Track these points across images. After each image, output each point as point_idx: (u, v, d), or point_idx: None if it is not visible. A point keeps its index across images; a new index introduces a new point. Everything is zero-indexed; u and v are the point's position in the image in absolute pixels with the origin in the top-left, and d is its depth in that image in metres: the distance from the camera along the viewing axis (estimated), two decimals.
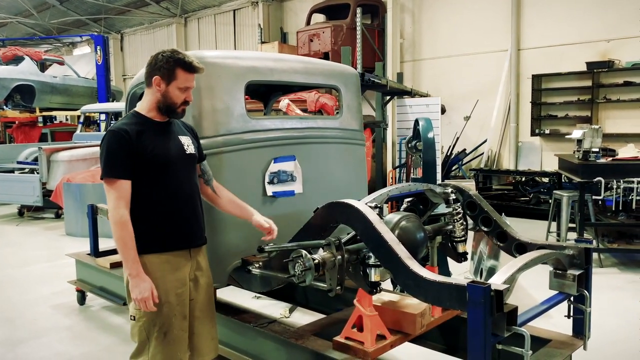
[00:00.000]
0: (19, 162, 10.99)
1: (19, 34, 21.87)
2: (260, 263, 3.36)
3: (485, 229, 3.47)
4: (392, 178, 8.56)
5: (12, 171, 10.89)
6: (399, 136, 8.74)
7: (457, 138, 11.25)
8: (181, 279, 2.65)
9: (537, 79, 10.49)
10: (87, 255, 5.47)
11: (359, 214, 2.76)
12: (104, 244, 5.33)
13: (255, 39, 14.73)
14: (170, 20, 18.21)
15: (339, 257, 2.78)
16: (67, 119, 18.57)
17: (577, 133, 6.33)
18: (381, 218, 2.90)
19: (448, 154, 11.14)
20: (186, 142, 2.77)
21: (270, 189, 3.63)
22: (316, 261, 2.68)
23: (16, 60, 13.16)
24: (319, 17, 13.43)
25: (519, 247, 3.31)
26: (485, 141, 11.21)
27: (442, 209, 3.62)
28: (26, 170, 10.85)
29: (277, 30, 15.23)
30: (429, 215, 3.67)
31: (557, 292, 3.00)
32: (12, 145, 13.46)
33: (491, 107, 11.14)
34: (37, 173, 9.99)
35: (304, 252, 2.69)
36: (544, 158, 10.63)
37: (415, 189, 3.39)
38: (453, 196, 3.43)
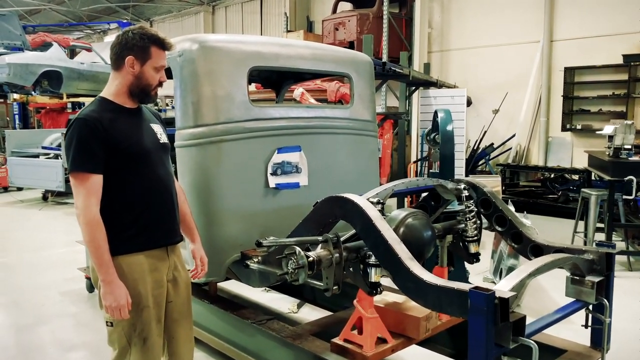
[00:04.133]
0: (43, 147, 11.09)
1: (52, 21, 22.16)
2: (260, 257, 3.22)
3: (500, 229, 3.25)
4: (412, 171, 8.32)
5: (37, 156, 11.00)
6: (421, 128, 8.48)
7: (485, 132, 10.91)
8: (159, 280, 2.47)
9: (569, 71, 10.07)
10: None
11: (357, 209, 2.58)
12: None
13: (282, 28, 14.56)
14: (199, 9, 18.19)
15: (337, 254, 2.61)
16: None
17: (608, 129, 5.99)
18: (383, 214, 2.73)
19: (475, 148, 10.81)
20: (158, 130, 2.58)
21: (273, 181, 3.48)
22: (310, 259, 2.51)
23: (45, 46, 13.27)
24: (345, 6, 13.16)
25: (534, 250, 3.08)
26: (513, 136, 10.84)
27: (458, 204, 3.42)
28: (51, 155, 10.95)
29: (303, 18, 15.03)
30: (441, 212, 3.48)
31: (574, 299, 2.77)
32: (38, 130, 13.64)
33: (521, 100, 10.76)
34: (61, 158, 10.05)
35: (297, 248, 2.52)
36: (575, 154, 10.21)
37: (423, 184, 3.19)
38: (466, 193, 3.22)
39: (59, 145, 10.53)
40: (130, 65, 2.38)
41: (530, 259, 3.08)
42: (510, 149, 10.91)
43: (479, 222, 3.32)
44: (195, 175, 3.26)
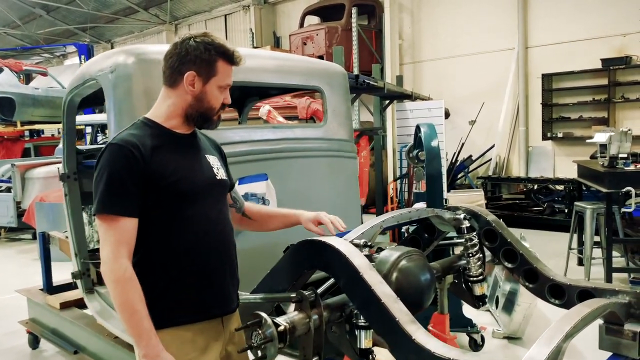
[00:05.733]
0: None
1: (9, 46, 21.27)
2: None
3: (509, 265, 2.71)
4: (393, 190, 7.80)
5: None
6: (399, 143, 8.00)
7: (462, 144, 10.49)
8: None
9: (547, 78, 9.75)
10: (40, 290, 4.73)
11: (339, 257, 2.01)
12: (62, 275, 4.59)
13: (248, 44, 14.05)
14: (161, 28, 17.59)
15: (316, 316, 2.03)
16: (59, 132, 17.90)
17: (600, 137, 5.56)
18: (372, 260, 2.17)
19: (453, 161, 10.38)
20: (215, 163, 2.07)
21: None
22: (281, 327, 1.92)
23: None
24: (313, 20, 12.73)
25: (554, 290, 2.54)
26: (492, 147, 10.46)
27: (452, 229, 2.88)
28: (3, 188, 10.13)
29: (269, 34, 14.55)
30: (436, 246, 2.94)
31: (612, 354, 2.24)
32: None
33: (498, 110, 10.40)
34: (12, 192, 9.27)
35: (263, 316, 1.93)
36: (557, 164, 9.86)
37: (417, 216, 2.64)
38: (466, 223, 2.69)
39: (10, 178, 9.74)
40: (190, 82, 1.89)
41: (549, 301, 2.55)
42: (490, 160, 10.53)
43: (482, 255, 2.80)
44: None
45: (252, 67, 3.01)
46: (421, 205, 4.80)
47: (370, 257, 2.15)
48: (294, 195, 3.17)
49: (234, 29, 15.73)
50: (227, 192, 2.14)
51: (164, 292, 1.87)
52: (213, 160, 2.06)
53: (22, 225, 9.19)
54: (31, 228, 9.46)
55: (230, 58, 1.92)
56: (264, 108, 5.26)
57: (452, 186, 9.96)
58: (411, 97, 9.06)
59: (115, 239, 1.76)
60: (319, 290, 2.12)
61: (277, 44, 14.17)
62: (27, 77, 14.25)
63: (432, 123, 4.80)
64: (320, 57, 10.92)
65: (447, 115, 9.58)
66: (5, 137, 13.87)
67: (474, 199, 7.72)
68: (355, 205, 3.58)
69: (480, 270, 2.70)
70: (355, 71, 10.48)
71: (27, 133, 14.58)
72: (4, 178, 10.28)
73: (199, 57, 1.87)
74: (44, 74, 13.60)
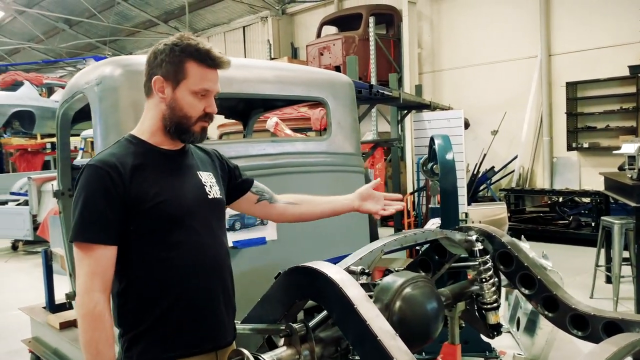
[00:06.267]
0: (12, 193, 10.31)
1: (33, 60, 21.64)
2: None
3: (526, 292, 2.46)
4: (410, 203, 7.55)
5: (5, 203, 10.22)
6: (416, 155, 7.76)
7: (484, 155, 10.19)
8: None
9: (571, 86, 9.42)
10: (43, 309, 4.60)
11: (332, 287, 1.80)
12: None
13: (265, 55, 13.98)
14: None
15: (307, 352, 1.83)
16: (79, 145, 18.06)
17: (628, 147, 5.26)
18: (371, 288, 1.96)
19: (474, 172, 10.07)
20: (208, 180, 1.87)
21: (229, 238, 2.70)
22: None
23: (16, 85, 12.64)
24: (330, 30, 12.60)
25: (576, 321, 2.28)
26: (515, 157, 10.12)
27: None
28: (20, 201, 10.17)
29: (287, 45, 14.47)
30: (447, 269, 2.71)
31: None
32: (7, 175, 12.88)
33: (521, 119, 10.07)
34: (29, 205, 9.28)
35: (245, 353, 1.74)
36: (583, 175, 9.49)
37: (423, 238, 2.41)
38: (479, 245, 2.45)
39: (27, 191, 9.76)
40: (158, 89, 1.73)
41: (571, 333, 2.30)
42: (513, 171, 10.19)
43: (497, 280, 2.56)
44: None
45: (248, 78, 2.84)
46: (436, 221, 4.56)
47: (368, 286, 1.94)
48: None
49: (253, 41, 15.70)
50: (222, 212, 1.94)
51: (151, 327, 1.69)
52: (206, 177, 1.87)
53: (37, 238, 9.18)
54: (46, 241, 9.46)
55: (203, 58, 1.70)
56: (271, 120, 5.09)
57: (473, 199, 9.67)
58: (430, 106, 8.83)
59: (89, 269, 1.60)
60: (312, 323, 1.93)
61: (294, 55, 14.08)
62: (50, 90, 14.40)
63: (449, 134, 4.58)
64: (337, 68, 10.78)
65: (467, 125, 9.33)
66: (29, 149, 14.03)
67: (496, 212, 7.43)
68: (362, 223, 3.37)
69: (494, 297, 2.46)
70: (373, 81, 10.31)
71: (48, 145, 14.70)
72: (22, 191, 10.33)
73: (164, 60, 1.70)
74: (64, 87, 13.73)
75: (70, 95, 2.84)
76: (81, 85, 2.66)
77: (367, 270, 1.95)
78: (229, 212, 2.70)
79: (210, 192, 1.84)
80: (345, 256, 2.09)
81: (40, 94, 13.08)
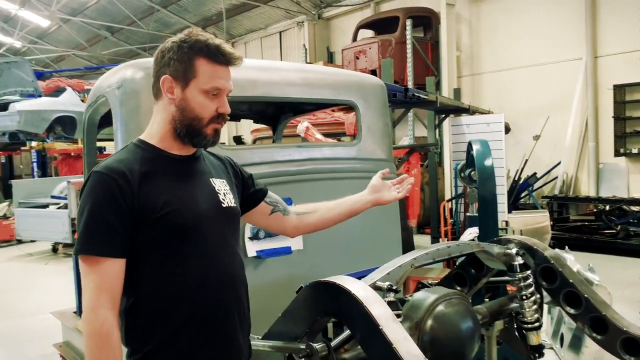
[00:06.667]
0: (52, 197, 10.52)
1: (77, 67, 22.26)
2: None
3: (572, 311, 2.26)
4: (447, 210, 7.31)
5: (46, 206, 10.43)
6: (454, 160, 7.52)
7: (526, 160, 9.82)
8: None
9: (619, 89, 9.00)
10: (74, 313, 4.60)
11: (355, 305, 1.66)
12: None
13: (301, 60, 13.94)
14: None
15: None
16: None
17: None
18: (399, 307, 1.80)
19: (516, 178, 9.72)
20: (222, 187, 1.76)
21: (252, 248, 2.59)
22: None
23: (59, 91, 12.94)
24: (367, 34, 12.45)
25: (629, 345, 2.07)
26: (559, 163, 9.73)
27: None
28: (61, 205, 10.36)
29: (323, 49, 14.39)
30: (484, 283, 2.53)
31: None
32: (48, 178, 13.18)
33: (565, 124, 9.68)
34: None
35: None
36: (632, 182, 9.04)
37: (457, 252, 2.24)
38: (519, 260, 2.26)
39: (66, 195, 9.95)
40: (167, 89, 1.61)
41: (622, 358, 2.09)
42: (556, 178, 9.80)
43: (539, 297, 2.37)
44: None
45: (274, 81, 2.73)
46: (474, 230, 4.36)
47: (396, 304, 1.79)
48: None
49: (289, 46, 15.70)
50: (237, 222, 1.81)
51: (161, 346, 1.58)
52: (219, 185, 1.75)
53: (75, 241, 9.33)
54: None
55: (213, 54, 1.59)
56: (302, 125, 4.98)
57: (514, 206, 9.34)
58: (468, 110, 8.57)
59: (96, 284, 1.49)
60: (335, 342, 1.79)
61: (330, 60, 13.98)
62: None
63: (489, 139, 4.37)
64: (373, 71, 10.62)
65: (507, 130, 9.02)
66: (72, 154, 14.36)
67: (538, 221, 7.13)
68: (394, 234, 3.20)
69: (536, 315, 2.27)
70: (410, 84, 10.11)
71: None
72: (62, 195, 10.53)
73: (172, 58, 1.59)
74: None
75: (94, 99, 2.78)
76: (103, 89, 2.60)
77: (394, 287, 1.80)
78: None
79: (224, 200, 1.72)
80: (368, 273, 1.94)
81: (81, 100, 13.35)
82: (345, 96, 3.00)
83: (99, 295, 1.48)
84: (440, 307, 1.92)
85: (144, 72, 2.41)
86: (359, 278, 1.92)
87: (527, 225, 7.11)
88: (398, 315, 1.78)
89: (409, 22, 10.54)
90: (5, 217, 12.04)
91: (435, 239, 7.29)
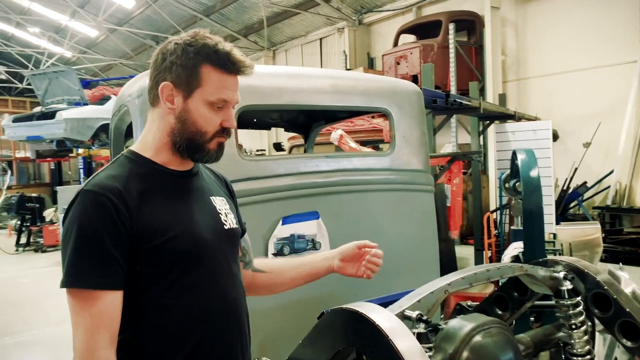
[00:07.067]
0: None
1: (123, 76, 22.83)
2: None
3: (629, 344, 2.01)
4: (491, 222, 6.99)
5: None
6: (498, 169, 7.19)
7: (575, 169, 9.35)
8: None
9: None
10: None
11: (379, 337, 1.49)
12: None
13: (341, 67, 13.81)
14: (259, 54, 17.90)
15: None
16: None
17: None
18: (428, 339, 1.62)
19: (564, 188, 9.27)
20: (223, 207, 1.60)
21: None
22: None
23: (104, 99, 13.23)
24: (408, 39, 12.21)
25: None
26: (611, 172, 9.21)
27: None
28: None
29: (364, 55, 14.21)
30: (529, 308, 2.30)
31: None
32: None
33: (618, 130, 9.15)
34: None
35: None
36: None
37: (497, 275, 2.02)
38: (568, 284, 2.03)
39: None
40: (167, 97, 1.46)
41: None
42: (609, 187, 9.27)
43: (591, 325, 2.13)
44: None
45: (302, 88, 2.58)
46: (518, 245, 4.10)
47: (426, 336, 1.60)
48: (352, 237, 2.65)
49: (329, 52, 15.59)
50: (237, 244, 1.66)
51: None
52: (220, 204, 1.60)
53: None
54: None
55: (222, 63, 1.43)
56: (336, 133, 4.82)
57: (563, 217, 8.89)
58: (514, 117, 8.21)
59: (91, 322, 1.31)
60: None
61: (370, 65, 13.79)
62: None
63: (536, 146, 4.12)
64: (414, 77, 10.37)
65: (555, 137, 8.60)
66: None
67: (588, 233, 6.72)
68: (431, 249, 3.00)
69: (587, 347, 2.04)
70: (453, 90, 9.82)
71: None
72: None
73: (175, 63, 1.43)
74: None
75: (117, 108, 2.71)
76: (125, 98, 2.52)
77: (425, 317, 1.61)
78: (277, 235, 2.46)
79: (225, 221, 1.57)
80: (396, 298, 1.76)
81: None
82: (377, 103, 2.83)
83: (95, 334, 1.31)
84: (477, 338, 1.72)
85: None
86: (387, 304, 1.75)
87: (576, 237, 6.71)
88: (428, 349, 1.60)
89: (451, 26, 10.25)
90: (51, 222, 12.38)
91: (478, 252, 6.98)
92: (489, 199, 9.64)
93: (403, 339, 1.48)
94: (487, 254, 6.53)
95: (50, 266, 10.09)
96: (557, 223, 7.31)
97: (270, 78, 2.54)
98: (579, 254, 6.33)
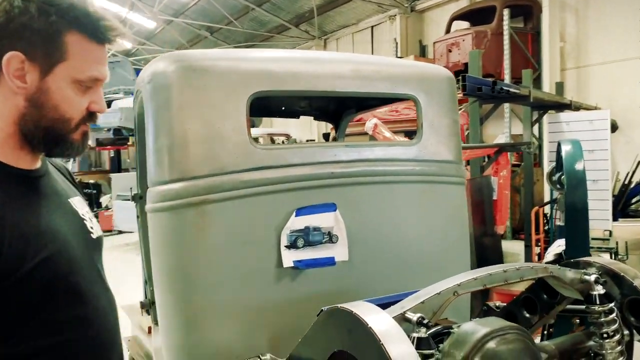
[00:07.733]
0: None
1: None
2: None
3: None
4: (541, 216, 6.65)
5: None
6: (550, 161, 6.82)
7: (639, 162, 8.78)
8: None
9: None
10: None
11: (371, 341, 1.37)
12: None
13: (392, 55, 13.53)
14: (310, 44, 17.83)
15: None
16: None
17: None
18: (430, 345, 1.48)
19: (626, 182, 8.72)
20: (83, 209, 1.36)
21: (290, 257, 2.34)
22: None
23: None
24: (461, 25, 11.79)
25: None
26: None
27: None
28: None
29: (415, 43, 13.86)
30: (559, 312, 2.12)
31: None
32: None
33: None
34: None
35: None
36: None
37: (517, 277, 1.84)
38: (600, 289, 1.84)
39: None
40: (14, 73, 1.13)
41: None
42: None
43: (629, 335, 1.93)
44: (168, 254, 2.24)
45: (320, 73, 2.46)
46: (562, 242, 3.85)
47: (427, 342, 1.47)
48: (372, 231, 2.54)
49: (380, 40, 15.32)
50: (101, 254, 1.42)
51: None
52: (80, 207, 1.34)
53: None
54: None
55: (94, 29, 1.14)
56: (370, 122, 4.66)
57: (624, 213, 8.36)
58: (570, 106, 7.77)
59: None
60: None
61: (422, 53, 13.44)
62: None
63: (592, 138, 3.84)
64: (466, 65, 10.00)
65: (614, 128, 8.08)
66: None
67: (624, 272, 6.31)
68: (462, 245, 2.81)
69: (621, 358, 1.83)
70: (507, 79, 9.41)
71: None
72: None
73: (27, 27, 1.09)
74: None
75: (136, 94, 2.69)
76: (139, 84, 2.48)
77: (426, 321, 1.48)
78: (291, 227, 2.36)
79: (92, 228, 1.34)
80: (400, 297, 1.63)
81: None
82: (403, 89, 2.67)
83: None
84: (490, 344, 1.58)
85: (176, 65, 2.25)
86: (391, 304, 1.63)
87: (635, 235, 6.31)
88: (429, 356, 1.47)
89: (506, 12, 9.80)
90: (107, 208, 12.83)
91: (527, 248, 6.67)
92: (543, 193, 9.21)
93: (397, 344, 1.36)
94: (534, 250, 6.22)
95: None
96: (616, 219, 6.88)
97: (285, 63, 2.43)
98: (636, 253, 5.94)
